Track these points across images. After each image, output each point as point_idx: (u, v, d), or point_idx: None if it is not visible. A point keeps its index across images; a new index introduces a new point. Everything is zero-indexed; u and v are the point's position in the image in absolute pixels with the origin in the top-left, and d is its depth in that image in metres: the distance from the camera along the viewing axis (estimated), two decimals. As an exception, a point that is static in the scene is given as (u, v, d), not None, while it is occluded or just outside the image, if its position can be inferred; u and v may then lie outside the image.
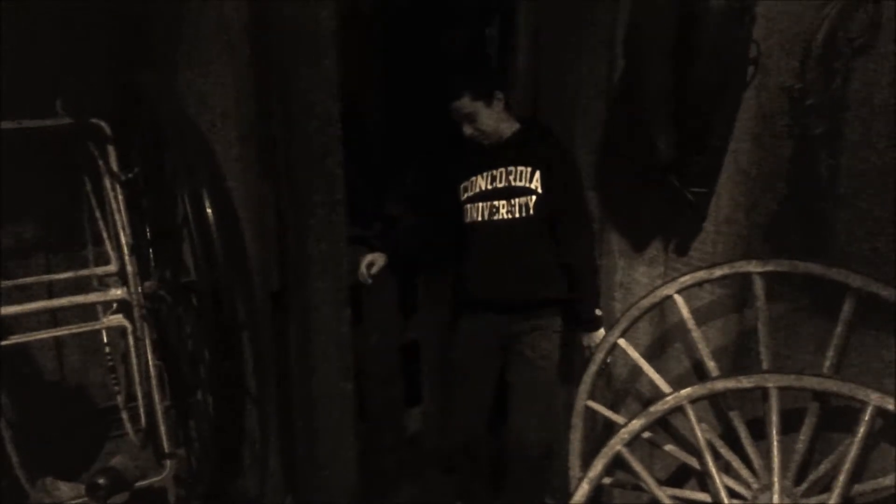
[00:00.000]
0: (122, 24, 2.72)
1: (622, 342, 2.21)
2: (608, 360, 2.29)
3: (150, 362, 2.47)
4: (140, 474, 2.44)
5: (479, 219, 2.43)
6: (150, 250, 2.62)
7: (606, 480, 2.03)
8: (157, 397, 2.46)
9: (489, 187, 2.41)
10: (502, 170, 2.39)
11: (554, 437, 2.52)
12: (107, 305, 2.57)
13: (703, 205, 2.09)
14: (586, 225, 2.41)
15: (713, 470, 1.80)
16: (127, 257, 2.38)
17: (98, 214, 2.66)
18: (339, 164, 2.27)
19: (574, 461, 2.30)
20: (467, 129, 2.37)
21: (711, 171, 2.05)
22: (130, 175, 2.52)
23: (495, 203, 2.39)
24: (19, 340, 2.31)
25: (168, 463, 2.42)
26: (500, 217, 2.39)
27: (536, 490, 2.61)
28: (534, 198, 2.33)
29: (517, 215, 2.36)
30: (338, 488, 2.48)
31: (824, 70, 1.73)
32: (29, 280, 2.53)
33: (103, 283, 2.64)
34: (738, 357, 2.11)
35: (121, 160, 2.50)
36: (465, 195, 2.48)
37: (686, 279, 2.07)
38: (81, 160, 2.56)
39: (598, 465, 1.90)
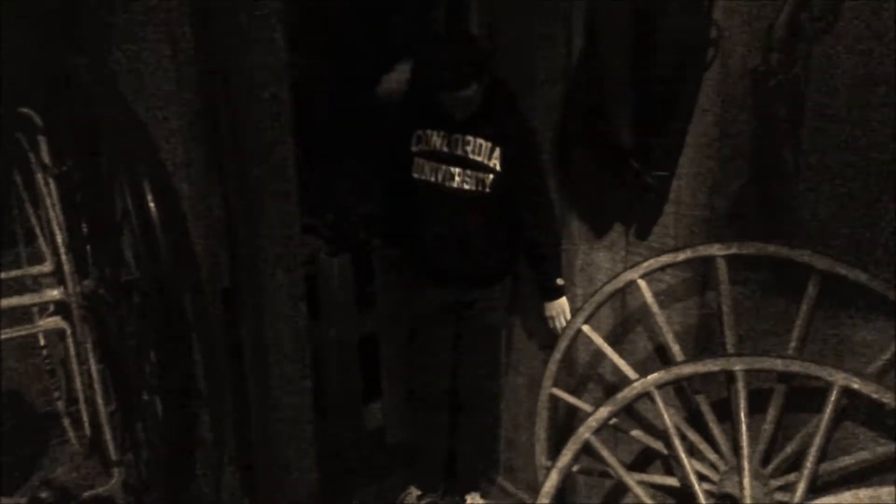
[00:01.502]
0: (49, 4, 2.56)
1: (586, 328, 2.19)
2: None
3: (93, 365, 2.33)
4: (86, 484, 2.32)
5: (432, 180, 2.36)
6: (87, 247, 2.47)
7: (574, 468, 2.00)
8: (101, 402, 2.33)
9: (445, 150, 2.34)
10: (459, 137, 2.32)
11: (499, 405, 2.73)
12: (42, 307, 2.43)
13: (663, 188, 2.08)
14: (547, 198, 2.37)
15: (682, 455, 1.79)
16: (63, 255, 2.24)
17: (30, 210, 2.51)
18: (291, 152, 2.17)
19: (540, 449, 2.28)
20: (460, 113, 2.28)
21: (672, 153, 2.03)
22: (64, 168, 2.37)
23: (451, 169, 2.33)
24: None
25: (116, 471, 2.30)
26: (455, 185, 2.33)
27: (486, 448, 2.77)
28: (491, 176, 2.29)
29: (472, 188, 2.31)
30: (297, 489, 2.40)
31: (787, 51, 1.72)
32: (-45, 282, 2.36)
33: (37, 283, 2.50)
34: (701, 340, 2.11)
35: (53, 152, 2.35)
36: (417, 147, 2.39)
37: (650, 263, 2.05)
38: (10, 152, 2.41)
39: (568, 454, 1.87)
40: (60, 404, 2.68)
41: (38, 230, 2.51)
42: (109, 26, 2.45)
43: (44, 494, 2.13)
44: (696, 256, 1.97)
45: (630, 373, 2.10)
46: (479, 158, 2.29)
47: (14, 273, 2.42)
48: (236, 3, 2.05)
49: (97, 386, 2.32)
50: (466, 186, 2.32)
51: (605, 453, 1.91)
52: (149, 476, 2.49)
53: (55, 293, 2.29)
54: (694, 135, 1.99)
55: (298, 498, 2.37)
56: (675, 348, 2.05)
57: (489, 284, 2.48)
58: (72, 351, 2.38)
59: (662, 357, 2.23)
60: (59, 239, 2.25)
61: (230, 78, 2.09)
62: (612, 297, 2.17)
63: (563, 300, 2.38)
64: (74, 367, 2.38)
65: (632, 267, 2.09)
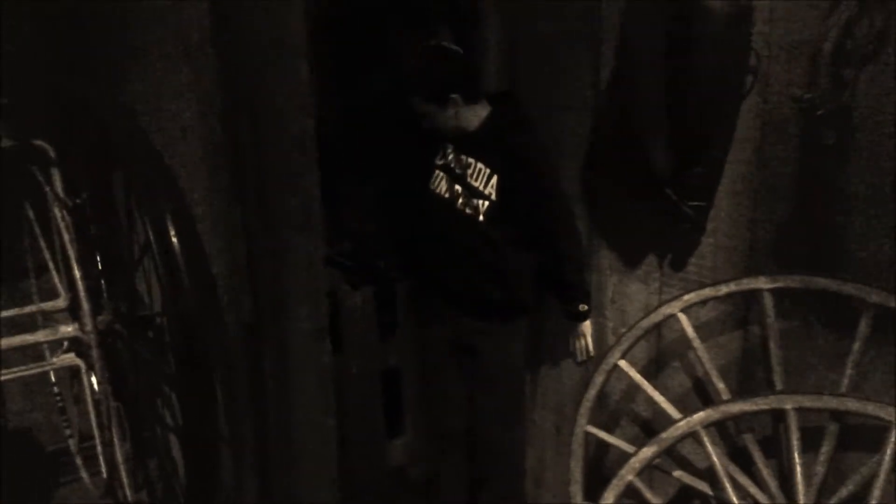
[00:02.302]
0: (64, 35, 2.51)
1: (623, 364, 2.12)
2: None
3: (109, 403, 2.25)
4: (100, 527, 2.24)
5: (445, 196, 2.29)
6: (102, 282, 2.40)
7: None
8: (117, 441, 2.25)
9: (456, 168, 2.27)
10: (465, 158, 2.25)
11: (522, 446, 2.55)
12: (55, 343, 2.35)
13: (701, 219, 2.02)
14: (567, 222, 2.25)
15: (734, 497, 1.72)
16: (81, 291, 2.16)
17: (43, 244, 2.44)
18: (316, 184, 2.12)
19: (576, 490, 2.20)
20: (450, 131, 2.24)
21: (710, 183, 1.98)
22: (79, 200, 2.30)
23: (458, 189, 2.26)
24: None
25: (134, 513, 2.22)
26: (459, 205, 2.26)
27: (509, 489, 2.58)
28: (486, 203, 2.20)
29: (468, 212, 2.24)
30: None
31: (833, 79, 1.68)
32: (-34, 319, 2.28)
33: (49, 319, 2.42)
34: (741, 376, 2.04)
35: (67, 184, 2.29)
36: (441, 161, 2.32)
37: (691, 297, 1.99)
38: (23, 185, 2.34)
39: (610, 497, 1.80)
40: (72, 442, 2.59)
41: (51, 264, 2.44)
42: (126, 54, 2.41)
43: (58, 540, 2.04)
44: (740, 290, 1.91)
45: (672, 411, 2.03)
46: (475, 184, 2.22)
47: (28, 309, 2.34)
48: (261, 33, 2.01)
49: (113, 424, 2.24)
50: (467, 210, 2.24)
51: (647, 495, 1.84)
52: (166, 519, 2.41)
53: (70, 329, 2.21)
54: (732, 164, 1.94)
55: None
56: (720, 385, 1.98)
57: (502, 320, 2.35)
58: (86, 389, 2.30)
59: (700, 393, 2.16)
60: (75, 273, 2.18)
61: (254, 109, 2.04)
62: (650, 332, 2.11)
63: (587, 324, 2.28)
64: (89, 405, 2.30)
65: (671, 300, 2.03)
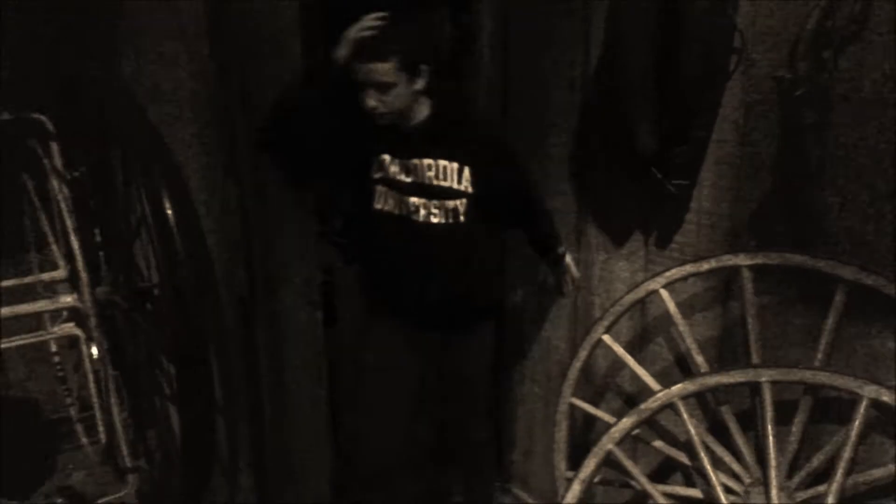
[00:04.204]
0: (62, 12, 2.54)
1: (606, 338, 2.17)
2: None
3: (107, 372, 2.32)
4: (100, 491, 2.31)
5: (395, 212, 2.03)
6: (100, 254, 2.46)
7: (594, 479, 1.98)
8: (115, 408, 2.32)
9: (405, 179, 2.01)
10: (417, 162, 1.98)
11: (493, 428, 2.52)
12: (55, 313, 2.41)
13: (685, 197, 2.06)
14: (535, 189, 2.23)
15: (709, 467, 1.77)
16: (79, 262, 2.22)
17: (42, 216, 2.49)
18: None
19: (560, 460, 2.26)
20: (371, 101, 1.91)
21: (694, 162, 2.01)
22: (77, 174, 2.35)
23: (413, 201, 2.00)
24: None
25: (130, 478, 2.29)
26: (421, 219, 2.00)
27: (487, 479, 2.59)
28: (465, 201, 1.99)
29: (443, 220, 2.00)
30: (310, 495, 2.38)
31: (814, 59, 1.71)
32: (-32, 289, 2.34)
33: (49, 290, 2.48)
34: (723, 351, 2.09)
35: (66, 158, 2.33)
36: (378, 174, 2.04)
37: (673, 273, 2.03)
38: (22, 158, 2.39)
39: (591, 465, 1.85)
40: (73, 410, 2.66)
41: (50, 236, 2.49)
42: (122, 32, 2.44)
43: (58, 501, 2.12)
44: (720, 266, 1.95)
45: (652, 383, 2.08)
46: (446, 183, 1.98)
47: (27, 280, 2.40)
48: (254, 11, 2.04)
49: (111, 392, 2.30)
50: (435, 220, 2.00)
51: (627, 464, 1.89)
52: (163, 483, 2.48)
53: (69, 300, 2.27)
54: (716, 143, 1.97)
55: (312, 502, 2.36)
56: (700, 359, 2.03)
57: (470, 326, 2.20)
58: (85, 358, 2.36)
59: (683, 368, 2.21)
60: (73, 245, 2.23)
61: (247, 85, 2.08)
62: (632, 308, 2.15)
63: (567, 258, 2.27)
64: (89, 373, 2.36)
65: (653, 277, 2.07)
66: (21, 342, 2.34)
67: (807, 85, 1.70)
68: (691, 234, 2.07)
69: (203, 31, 2.08)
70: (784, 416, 1.87)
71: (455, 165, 1.98)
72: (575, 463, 2.02)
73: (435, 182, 1.98)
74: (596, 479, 2.04)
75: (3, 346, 2.28)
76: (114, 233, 2.48)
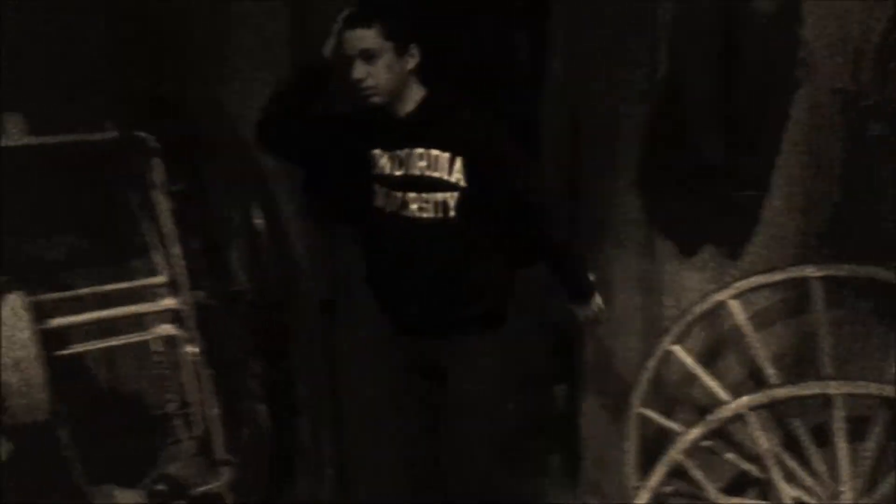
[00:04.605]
0: (162, 39, 2.77)
1: (676, 349, 2.18)
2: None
3: (203, 371, 2.50)
4: (196, 481, 2.48)
5: (387, 209, 1.94)
6: (199, 261, 2.65)
7: (665, 489, 2.00)
8: (210, 405, 2.49)
9: (396, 173, 1.91)
10: (409, 152, 1.88)
11: (494, 472, 2.11)
12: (157, 315, 2.61)
13: (754, 208, 2.06)
14: (540, 200, 1.94)
15: (779, 480, 1.77)
16: (178, 267, 2.41)
17: (146, 226, 2.71)
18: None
19: (630, 470, 2.28)
20: (358, 71, 1.82)
21: (763, 172, 2.01)
22: (177, 187, 2.55)
23: (404, 195, 1.90)
24: (76, 350, 2.34)
25: (223, 470, 2.45)
26: (411, 214, 1.90)
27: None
28: (455, 195, 1.85)
29: (432, 214, 1.88)
30: (390, 491, 2.48)
31: (880, 71, 1.69)
32: (83, 291, 2.56)
33: (152, 294, 2.68)
34: (797, 364, 2.07)
35: (167, 172, 2.53)
36: (374, 171, 1.96)
37: (741, 284, 2.03)
38: (128, 173, 2.60)
39: (658, 474, 1.88)
40: (172, 406, 2.86)
41: (152, 245, 2.70)
42: (218, 56, 2.64)
43: (161, 487, 2.31)
44: (788, 277, 1.94)
45: (722, 395, 2.09)
46: (436, 174, 1.85)
47: (133, 284, 2.61)
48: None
49: (207, 390, 2.48)
50: (425, 214, 1.88)
51: (698, 475, 1.90)
52: (252, 476, 2.64)
53: (170, 302, 2.46)
54: (785, 154, 1.97)
55: (392, 499, 2.45)
56: (770, 371, 2.02)
57: (476, 334, 1.99)
58: (183, 357, 2.55)
59: (756, 381, 2.19)
60: (173, 252, 2.43)
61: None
62: (703, 319, 2.16)
63: (598, 299, 2.03)
64: (186, 372, 2.55)
65: (723, 288, 2.07)
66: (126, 341, 2.54)
67: (872, 97, 1.69)
68: (762, 245, 2.07)
69: (288, 58, 2.24)
70: (864, 431, 1.84)
71: (447, 155, 1.84)
72: (645, 474, 2.05)
73: (427, 173, 1.86)
74: (667, 490, 2.07)
75: (111, 344, 2.49)
76: (210, 241, 2.67)
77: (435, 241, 1.90)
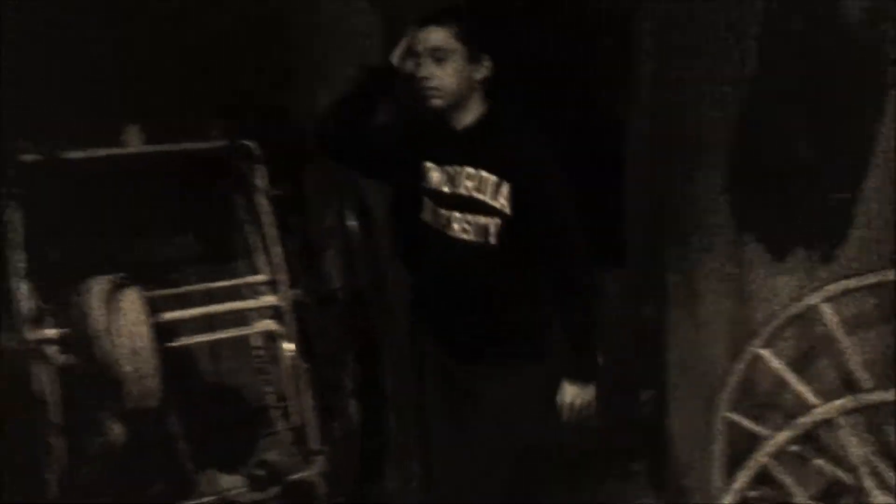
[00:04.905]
0: (263, 50, 2.95)
1: (764, 353, 2.16)
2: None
3: (299, 365, 2.64)
4: (291, 469, 2.62)
5: (433, 225, 1.89)
6: (297, 261, 2.81)
7: (751, 494, 1.99)
8: (305, 398, 2.63)
9: (445, 189, 1.84)
10: (459, 169, 1.81)
11: None
12: (258, 312, 2.78)
13: (847, 210, 2.02)
14: (578, 257, 1.81)
15: (871, 487, 1.74)
16: (279, 267, 2.56)
17: (249, 228, 2.89)
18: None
19: (716, 475, 2.27)
20: (426, 69, 1.77)
21: (856, 174, 1.98)
22: (278, 192, 2.71)
23: (449, 213, 1.83)
24: (186, 343, 2.51)
25: (317, 459, 2.59)
26: (453, 234, 1.83)
27: None
28: (498, 221, 1.76)
29: (473, 238, 1.80)
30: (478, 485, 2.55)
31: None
32: (191, 288, 2.76)
33: (253, 292, 2.86)
34: (890, 369, 2.02)
35: (270, 178, 2.70)
36: (423, 184, 1.91)
37: (831, 288, 2.00)
38: (234, 178, 2.79)
39: (743, 477, 1.88)
40: (270, 399, 3.03)
41: (254, 246, 2.88)
42: (316, 66, 2.80)
43: (259, 473, 2.46)
44: (879, 281, 1.90)
45: (811, 399, 2.05)
46: (483, 197, 1.77)
47: (236, 281, 2.79)
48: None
49: (303, 384, 2.62)
50: (466, 236, 1.80)
51: (787, 480, 1.89)
52: (342, 468, 2.77)
53: (270, 299, 2.62)
54: (881, 155, 1.93)
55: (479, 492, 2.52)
56: (863, 375, 1.98)
57: (504, 366, 1.88)
58: (281, 351, 2.71)
59: (850, 387, 2.14)
60: (274, 252, 2.59)
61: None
62: (793, 323, 2.13)
63: (590, 391, 1.86)
64: (284, 366, 2.71)
65: (813, 291, 2.04)
66: (229, 335, 2.72)
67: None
68: (855, 248, 2.03)
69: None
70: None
71: (494, 178, 1.76)
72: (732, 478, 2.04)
73: (473, 194, 1.78)
74: (753, 494, 2.05)
75: (215, 338, 2.67)
76: (307, 243, 2.83)
77: (473, 265, 1.82)
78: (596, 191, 2.91)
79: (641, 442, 2.91)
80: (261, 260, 2.80)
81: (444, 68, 1.75)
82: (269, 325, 2.66)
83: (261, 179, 2.66)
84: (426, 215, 1.90)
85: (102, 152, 2.43)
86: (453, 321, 1.90)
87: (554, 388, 1.88)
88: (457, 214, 1.81)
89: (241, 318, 2.88)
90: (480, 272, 1.81)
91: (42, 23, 2.58)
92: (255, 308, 2.68)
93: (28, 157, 2.32)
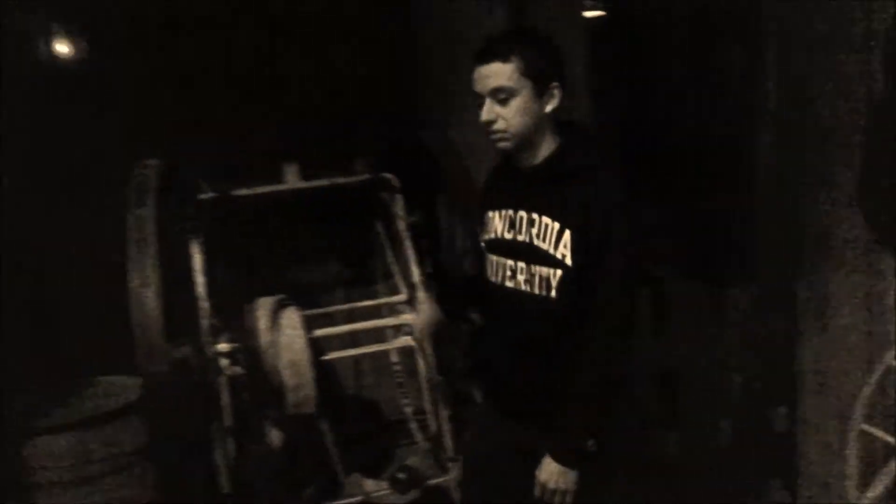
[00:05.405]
0: (401, 93, 3.24)
1: (898, 364, 2.15)
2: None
3: (434, 378, 2.85)
4: (430, 475, 2.82)
5: (495, 279, 1.72)
6: (430, 282, 3.04)
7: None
8: (441, 409, 2.83)
9: (507, 236, 1.68)
10: (524, 215, 1.64)
11: None
12: (396, 329, 3.02)
13: None
14: (613, 323, 1.59)
15: None
16: (418, 287, 2.80)
17: (388, 253, 3.15)
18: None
19: (850, 485, 2.26)
20: (488, 112, 1.57)
21: None
22: (415, 218, 2.96)
23: (513, 264, 1.66)
24: (335, 356, 2.77)
25: (452, 467, 2.77)
26: (516, 287, 1.66)
27: None
28: (559, 273, 1.58)
29: (535, 291, 1.62)
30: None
31: None
32: (340, 308, 3.04)
33: (392, 311, 3.11)
34: None
35: (407, 206, 2.95)
36: (484, 237, 1.76)
37: (970, 298, 1.98)
38: (375, 207, 3.07)
39: (878, 488, 1.89)
40: (408, 410, 3.26)
41: (394, 268, 3.14)
42: (446, 105, 3.04)
43: (402, 476, 2.68)
44: None
45: (950, 411, 2.03)
46: (544, 245, 1.59)
47: (379, 301, 3.05)
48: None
49: (439, 396, 2.83)
50: (526, 288, 1.63)
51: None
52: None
53: (408, 317, 2.85)
54: None
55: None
56: None
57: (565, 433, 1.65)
58: (419, 366, 2.93)
59: None
60: (414, 274, 2.82)
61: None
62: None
63: (563, 475, 1.60)
64: (421, 379, 2.92)
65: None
66: (370, 350, 2.96)
67: None
68: None
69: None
70: None
71: (556, 226, 1.58)
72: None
73: (535, 242, 1.61)
74: (889, 506, 2.05)
75: (359, 352, 2.91)
76: (439, 265, 3.05)
77: (535, 322, 1.64)
78: (726, 203, 2.99)
79: (774, 457, 2.90)
80: (400, 281, 3.06)
81: (509, 108, 1.56)
82: (407, 341, 2.88)
83: (400, 208, 2.92)
84: (489, 271, 1.73)
85: (266, 189, 2.77)
86: (514, 384, 1.72)
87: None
88: (521, 264, 1.64)
89: (380, 335, 3.14)
90: (542, 330, 1.63)
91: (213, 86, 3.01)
92: (395, 325, 2.91)
93: (205, 196, 2.69)
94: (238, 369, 2.56)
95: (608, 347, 1.59)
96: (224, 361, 2.55)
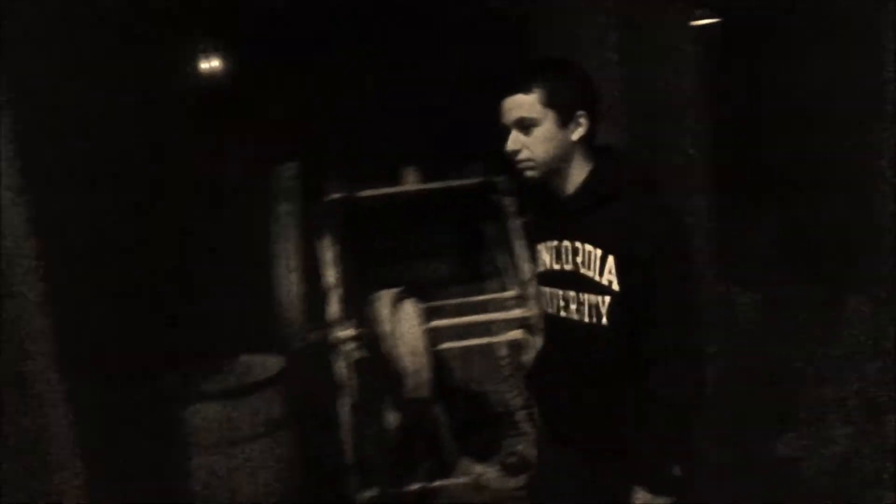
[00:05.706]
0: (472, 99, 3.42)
1: None
2: None
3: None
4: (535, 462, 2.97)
5: (551, 310, 1.69)
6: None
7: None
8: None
9: (556, 267, 1.65)
10: (568, 245, 1.61)
11: None
12: (505, 323, 3.19)
13: None
14: (684, 347, 1.53)
15: None
16: (527, 284, 2.96)
17: (499, 251, 3.33)
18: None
19: None
20: (512, 142, 1.57)
21: None
22: (525, 218, 3.13)
23: (564, 294, 1.64)
24: (450, 346, 2.96)
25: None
26: (569, 316, 1.63)
27: None
28: (607, 299, 1.54)
29: (586, 319, 1.59)
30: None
31: None
32: (454, 301, 3.24)
33: (501, 306, 3.27)
34: None
35: (518, 208, 3.12)
36: (537, 270, 1.75)
37: None
38: (485, 209, 3.25)
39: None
40: (518, 402, 3.42)
41: (504, 266, 3.31)
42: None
43: (511, 460, 2.85)
44: None
45: None
46: (590, 273, 1.56)
47: (492, 296, 3.23)
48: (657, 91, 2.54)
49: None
50: (578, 317, 1.60)
51: None
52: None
53: (518, 312, 3.02)
54: None
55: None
56: None
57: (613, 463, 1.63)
58: (527, 360, 3.08)
59: None
60: (523, 271, 2.99)
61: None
62: None
63: (657, 501, 1.54)
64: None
65: None
66: (492, 341, 3.13)
67: None
68: None
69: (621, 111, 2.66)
70: None
71: (599, 252, 1.55)
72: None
73: (581, 270, 1.58)
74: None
75: (473, 342, 3.08)
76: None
77: (587, 351, 1.61)
78: (846, 210, 2.95)
79: (893, 470, 2.86)
80: (510, 278, 3.23)
81: (532, 137, 1.55)
82: (517, 334, 3.04)
83: (511, 208, 3.09)
84: (544, 301, 1.71)
85: (388, 190, 3.02)
86: (563, 414, 1.71)
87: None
88: (571, 293, 1.61)
89: (487, 329, 3.32)
90: (594, 360, 1.60)
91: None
92: (505, 320, 3.09)
93: (333, 196, 2.97)
94: (362, 353, 2.81)
95: (680, 370, 1.53)
96: (349, 346, 2.80)
